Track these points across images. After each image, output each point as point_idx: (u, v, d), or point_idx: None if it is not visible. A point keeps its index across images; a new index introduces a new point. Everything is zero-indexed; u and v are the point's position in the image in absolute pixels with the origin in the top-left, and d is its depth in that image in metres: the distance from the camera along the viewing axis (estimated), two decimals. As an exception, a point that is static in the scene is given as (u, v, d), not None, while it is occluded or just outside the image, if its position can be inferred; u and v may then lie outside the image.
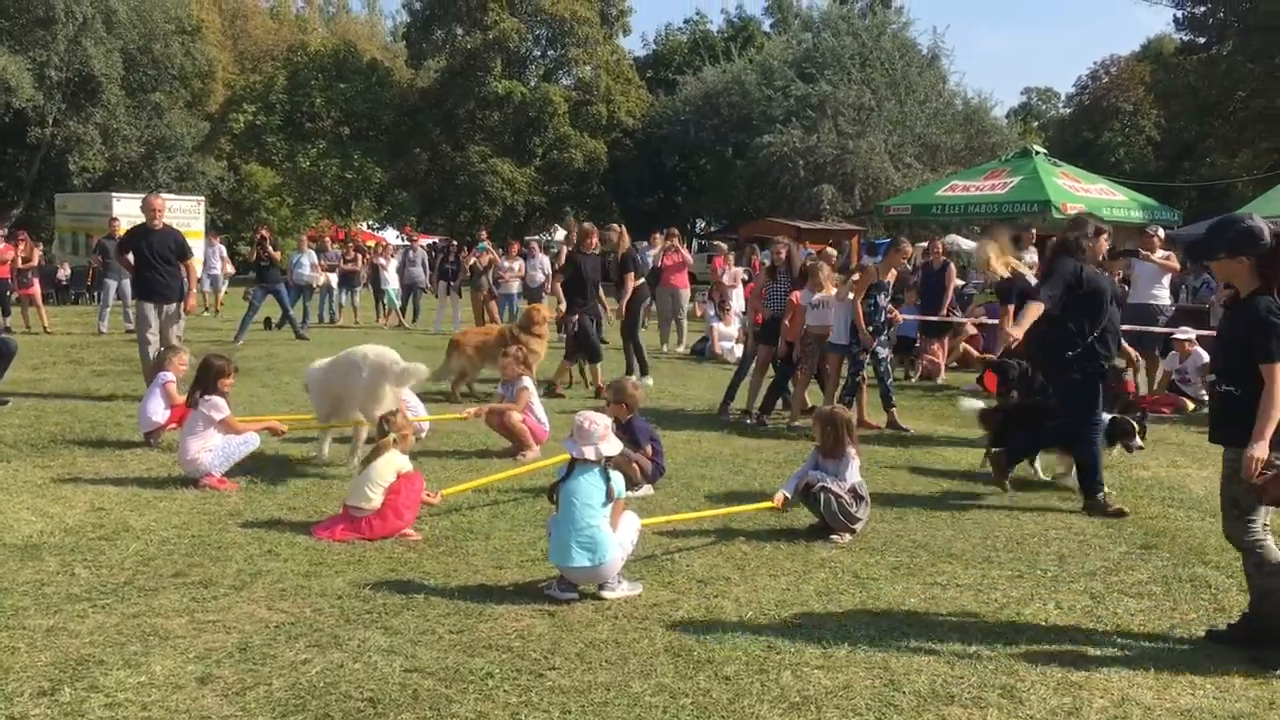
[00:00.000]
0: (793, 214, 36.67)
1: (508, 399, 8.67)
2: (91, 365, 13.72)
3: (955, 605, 5.20)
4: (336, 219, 44.27)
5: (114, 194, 28.00)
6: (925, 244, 16.96)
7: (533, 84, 44.52)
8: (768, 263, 11.60)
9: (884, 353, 10.31)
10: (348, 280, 22.71)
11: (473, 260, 20.05)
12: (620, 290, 13.04)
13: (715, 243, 25.50)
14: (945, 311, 14.36)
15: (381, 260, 22.55)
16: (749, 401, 10.74)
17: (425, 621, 4.77)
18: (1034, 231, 16.76)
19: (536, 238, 37.84)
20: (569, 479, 5.24)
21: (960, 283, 16.25)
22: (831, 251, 16.62)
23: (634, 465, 7.14)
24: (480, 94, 42.35)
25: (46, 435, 8.84)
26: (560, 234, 46.35)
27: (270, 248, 18.04)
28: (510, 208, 43.97)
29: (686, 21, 56.03)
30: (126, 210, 23.46)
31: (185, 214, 26.09)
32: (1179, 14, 40.60)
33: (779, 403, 10.75)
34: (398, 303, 21.89)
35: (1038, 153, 23.19)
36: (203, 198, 31.71)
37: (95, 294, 21.14)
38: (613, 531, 5.16)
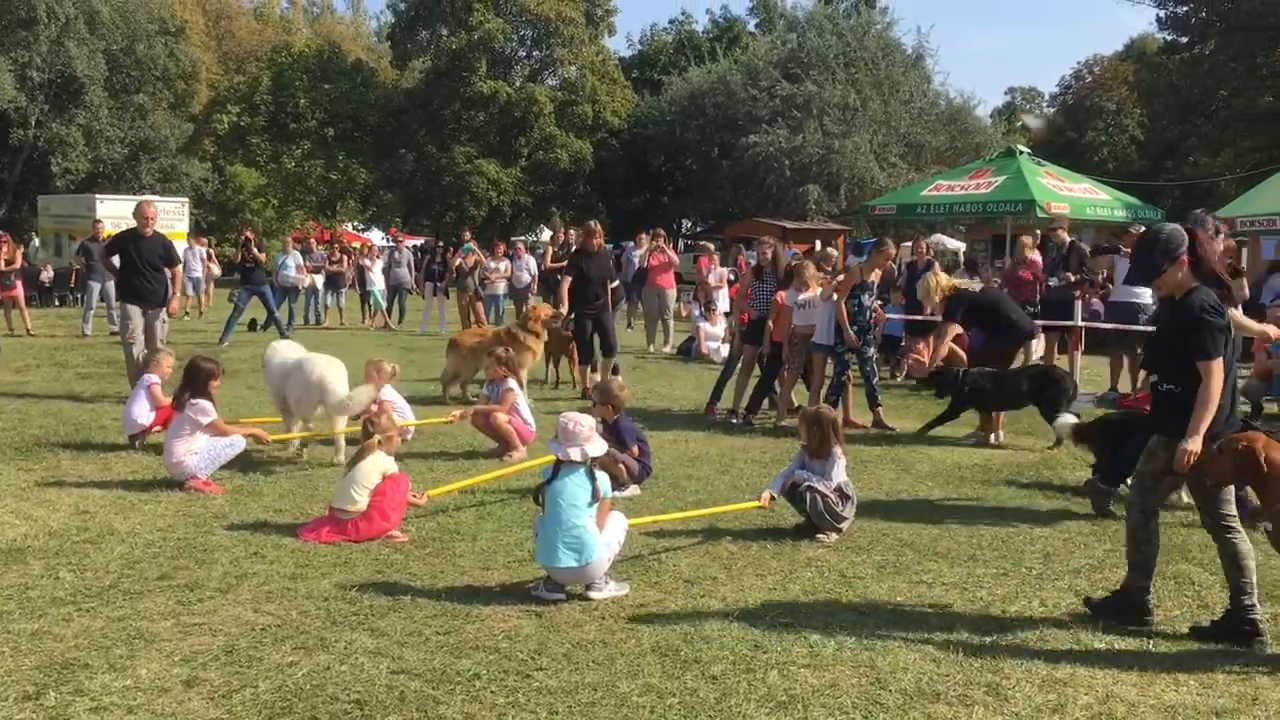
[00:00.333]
0: (778, 214, 36.73)
1: (493, 400, 8.70)
2: (75, 368, 13.65)
3: (941, 603, 5.23)
4: (321, 220, 44.06)
5: (97, 196, 27.79)
6: (910, 243, 17.00)
7: (518, 84, 44.38)
8: (753, 263, 11.62)
9: (870, 352, 10.35)
10: (333, 282, 22.70)
11: (458, 261, 20.01)
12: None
13: (701, 243, 25.56)
14: (929, 310, 14.36)
15: (367, 261, 22.48)
16: (735, 401, 10.76)
17: (412, 623, 4.77)
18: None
19: (522, 238, 37.77)
20: (555, 480, 5.25)
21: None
22: (832, 251, 16.60)
23: (620, 466, 7.14)
24: (465, 94, 42.22)
25: (30, 438, 8.79)
26: (546, 234, 46.34)
27: (255, 249, 17.98)
28: (496, 208, 43.84)
29: (672, 22, 56.30)
30: (110, 212, 23.39)
31: (170, 216, 25.86)
32: (1161, 13, 40.83)
33: (765, 402, 10.78)
34: (383, 304, 21.84)
35: (1022, 152, 23.33)
36: (187, 199, 31.50)
37: (78, 296, 21.02)
38: (599, 532, 5.17)
